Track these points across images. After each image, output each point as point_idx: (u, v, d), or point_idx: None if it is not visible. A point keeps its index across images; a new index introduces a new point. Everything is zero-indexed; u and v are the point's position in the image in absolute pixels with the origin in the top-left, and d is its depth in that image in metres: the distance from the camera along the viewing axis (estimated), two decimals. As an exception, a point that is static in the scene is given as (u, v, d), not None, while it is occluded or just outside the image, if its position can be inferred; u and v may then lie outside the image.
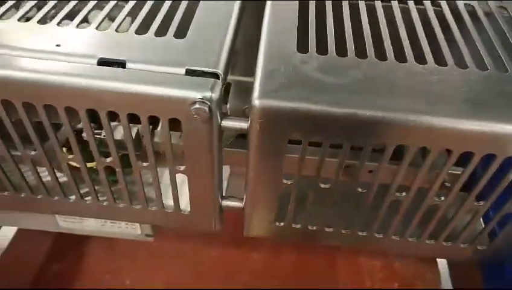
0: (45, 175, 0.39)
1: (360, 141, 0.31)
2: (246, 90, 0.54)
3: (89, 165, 0.37)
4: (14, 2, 0.37)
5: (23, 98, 0.31)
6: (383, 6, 0.41)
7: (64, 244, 0.78)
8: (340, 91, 0.30)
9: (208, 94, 0.30)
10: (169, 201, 0.39)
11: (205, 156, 0.34)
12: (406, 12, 0.39)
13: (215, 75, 0.31)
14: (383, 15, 0.39)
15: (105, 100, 0.31)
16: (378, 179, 0.34)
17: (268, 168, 0.34)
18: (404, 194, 0.35)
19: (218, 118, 0.31)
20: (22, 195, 0.41)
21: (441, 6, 0.41)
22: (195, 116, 0.30)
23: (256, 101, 0.29)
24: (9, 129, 0.34)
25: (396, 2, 0.41)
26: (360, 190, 0.35)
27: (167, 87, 0.30)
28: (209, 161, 0.34)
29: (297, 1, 0.40)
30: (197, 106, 0.29)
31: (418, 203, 0.36)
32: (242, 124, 0.32)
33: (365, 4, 0.40)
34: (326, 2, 0.40)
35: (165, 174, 0.37)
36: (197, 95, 0.30)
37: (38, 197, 0.41)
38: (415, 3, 0.41)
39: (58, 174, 0.39)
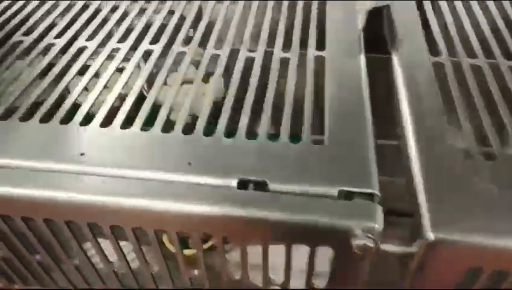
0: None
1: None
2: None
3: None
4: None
5: (153, 226, 0.28)
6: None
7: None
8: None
9: (370, 225, 0.25)
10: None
11: (355, 276, 0.29)
12: None
13: (371, 196, 0.27)
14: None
15: (247, 229, 0.27)
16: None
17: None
18: None
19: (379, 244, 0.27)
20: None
21: None
22: (356, 251, 0.26)
23: (429, 234, 0.25)
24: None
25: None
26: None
27: (321, 215, 0.26)
28: (358, 277, 0.30)
29: (430, 62, 0.36)
30: (359, 241, 0.25)
31: None
32: (407, 249, 0.27)
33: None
34: (463, 64, 0.36)
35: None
36: (357, 226, 0.25)
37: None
38: None
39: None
